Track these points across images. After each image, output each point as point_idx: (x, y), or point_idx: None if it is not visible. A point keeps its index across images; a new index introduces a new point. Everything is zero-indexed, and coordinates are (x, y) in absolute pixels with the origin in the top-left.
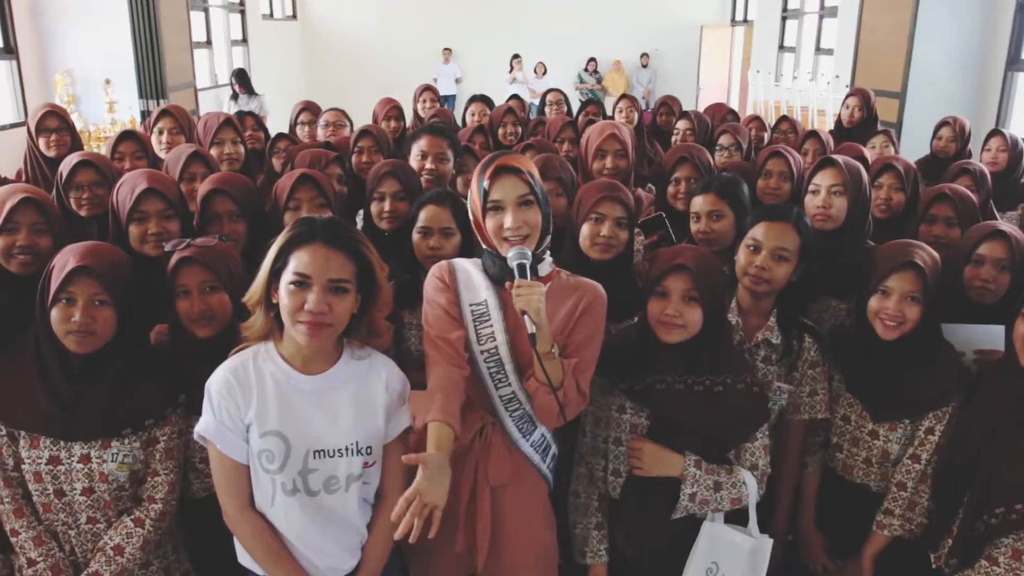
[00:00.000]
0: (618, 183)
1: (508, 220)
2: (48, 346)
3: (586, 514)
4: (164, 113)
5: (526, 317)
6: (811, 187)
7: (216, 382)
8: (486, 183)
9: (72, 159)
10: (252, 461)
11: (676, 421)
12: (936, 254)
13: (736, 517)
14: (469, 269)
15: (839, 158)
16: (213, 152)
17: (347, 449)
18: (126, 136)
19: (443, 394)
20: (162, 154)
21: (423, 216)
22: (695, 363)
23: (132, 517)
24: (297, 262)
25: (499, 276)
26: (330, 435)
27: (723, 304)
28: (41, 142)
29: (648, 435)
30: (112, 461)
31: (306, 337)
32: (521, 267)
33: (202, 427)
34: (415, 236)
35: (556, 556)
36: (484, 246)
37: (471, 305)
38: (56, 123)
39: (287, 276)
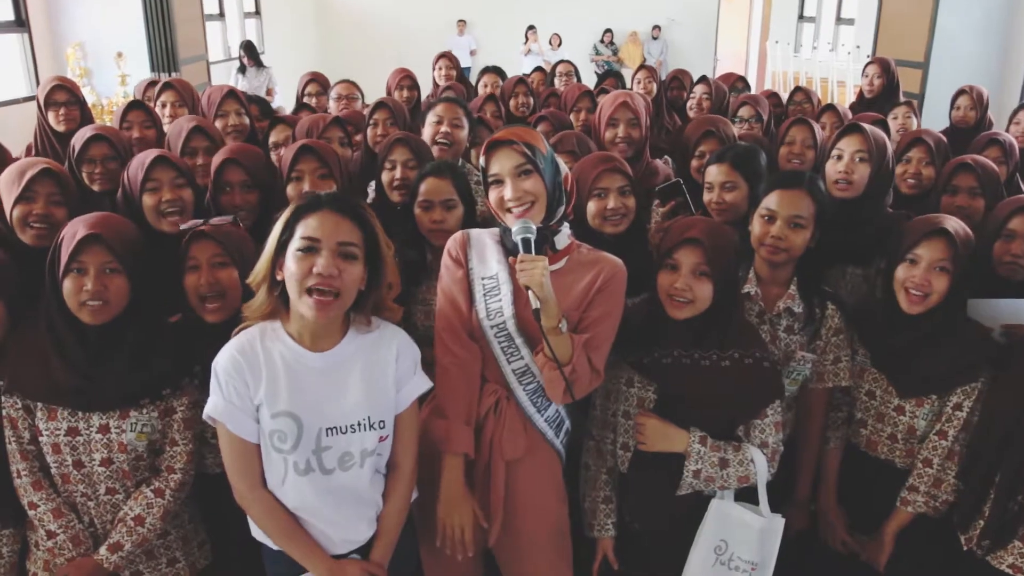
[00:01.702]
0: (612, 155)
1: (507, 191)
2: (61, 318)
3: (595, 487)
4: (167, 86)
5: (530, 292)
6: (835, 151)
7: (223, 362)
8: (483, 160)
9: (85, 132)
10: (263, 441)
11: (682, 395)
12: (968, 228)
13: (749, 494)
14: (485, 240)
15: (866, 125)
16: (218, 124)
17: (359, 424)
18: (134, 106)
19: (462, 411)
20: (167, 128)
21: (423, 189)
22: (703, 338)
23: (152, 488)
24: (305, 228)
25: (513, 249)
26: (341, 412)
27: (735, 278)
28: (50, 116)
29: (655, 409)
30: (131, 431)
31: (313, 311)
32: (525, 241)
33: (211, 408)
34: (417, 210)
35: (568, 529)
36: (500, 222)
37: (483, 279)
38: (65, 97)
39: (295, 244)
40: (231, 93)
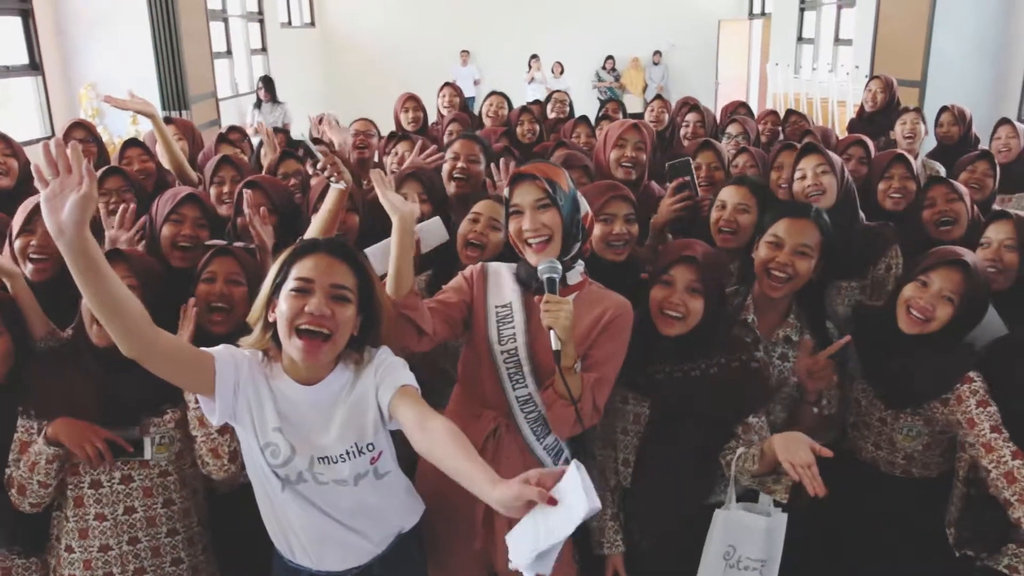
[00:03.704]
0: (619, 183)
1: (526, 222)
2: (84, 340)
3: (601, 505)
4: (167, 122)
5: (552, 333)
6: (797, 172)
7: (235, 349)
8: (507, 191)
9: (102, 169)
10: (254, 454)
11: (678, 408)
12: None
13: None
14: (502, 272)
15: (817, 144)
16: None
17: (348, 453)
18: (131, 143)
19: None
20: (167, 164)
21: None
22: (690, 351)
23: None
24: (299, 269)
25: (527, 281)
26: (330, 443)
27: (724, 300)
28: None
29: (649, 423)
30: (152, 446)
31: (302, 354)
32: (551, 281)
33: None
34: None
35: (571, 556)
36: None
37: (497, 306)
38: (82, 134)
39: (288, 285)
40: (221, 138)
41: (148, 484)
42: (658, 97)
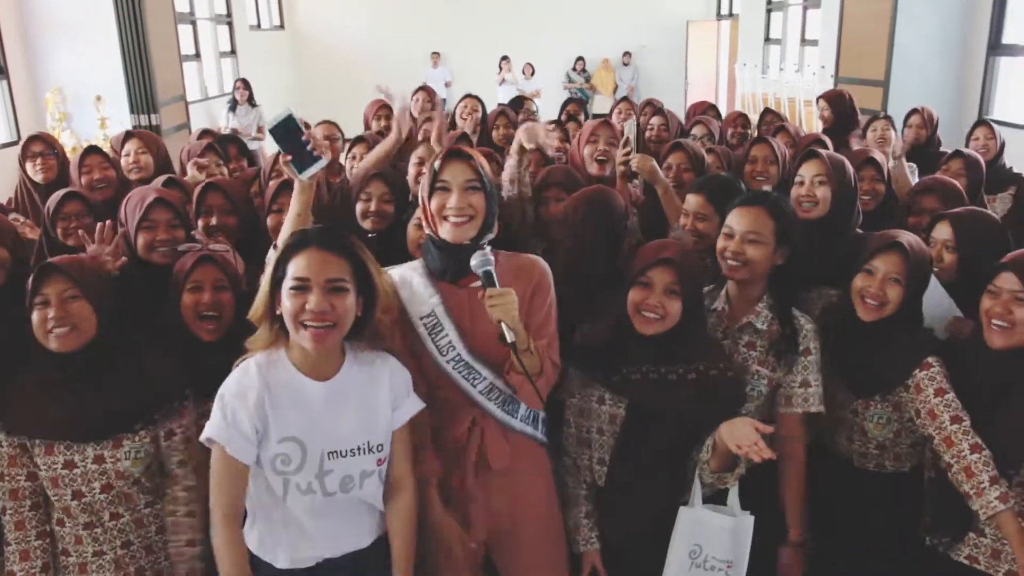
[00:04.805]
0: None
1: (452, 200)
2: (41, 353)
3: (575, 504)
4: (129, 135)
5: (503, 325)
6: (797, 178)
7: (230, 386)
8: (437, 165)
9: (59, 192)
10: (265, 465)
11: (652, 409)
12: (924, 245)
13: (717, 494)
14: (409, 279)
15: (822, 151)
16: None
17: (359, 449)
18: (90, 151)
19: None
20: (131, 175)
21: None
22: (668, 353)
23: (171, 517)
24: (295, 268)
25: (439, 268)
26: (342, 436)
27: (702, 299)
28: (28, 166)
29: (624, 424)
30: (126, 459)
31: (312, 342)
32: (487, 274)
33: (210, 430)
34: None
35: (564, 534)
36: (427, 233)
37: (421, 319)
38: (41, 147)
39: (287, 283)
40: (209, 146)
41: (127, 491)
42: (624, 99)
